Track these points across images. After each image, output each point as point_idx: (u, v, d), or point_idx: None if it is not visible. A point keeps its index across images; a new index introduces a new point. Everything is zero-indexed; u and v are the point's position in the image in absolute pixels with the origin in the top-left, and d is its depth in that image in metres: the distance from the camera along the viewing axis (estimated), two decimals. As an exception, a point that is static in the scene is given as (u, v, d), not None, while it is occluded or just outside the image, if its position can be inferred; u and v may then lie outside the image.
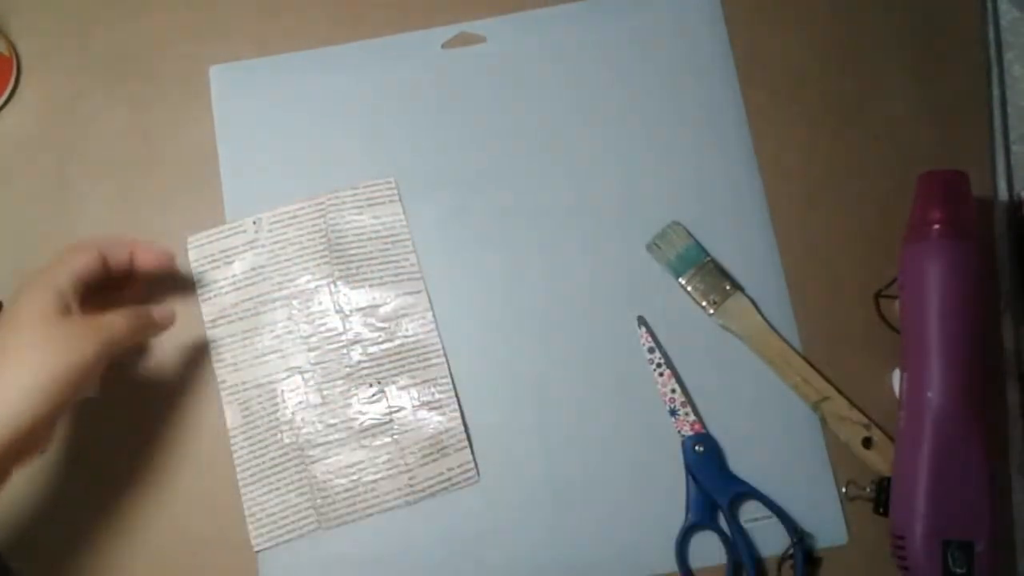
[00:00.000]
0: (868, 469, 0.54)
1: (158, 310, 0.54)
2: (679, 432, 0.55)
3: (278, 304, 0.57)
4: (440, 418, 0.55)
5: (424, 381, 0.56)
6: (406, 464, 0.55)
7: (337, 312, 0.57)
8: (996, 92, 0.59)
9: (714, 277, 0.56)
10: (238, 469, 0.55)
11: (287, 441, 0.55)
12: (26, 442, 0.44)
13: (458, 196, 0.59)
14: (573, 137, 0.59)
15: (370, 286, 0.57)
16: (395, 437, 0.55)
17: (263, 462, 0.55)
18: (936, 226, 0.51)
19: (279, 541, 0.54)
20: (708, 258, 0.56)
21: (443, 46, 0.61)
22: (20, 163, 0.61)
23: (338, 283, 0.57)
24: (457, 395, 0.56)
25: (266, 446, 0.55)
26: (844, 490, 0.54)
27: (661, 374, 0.55)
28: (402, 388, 0.56)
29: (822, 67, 0.60)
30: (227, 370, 0.56)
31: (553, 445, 0.55)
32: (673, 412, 0.55)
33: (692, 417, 0.55)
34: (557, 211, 0.58)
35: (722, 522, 0.53)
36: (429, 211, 0.59)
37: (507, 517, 0.54)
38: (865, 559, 0.53)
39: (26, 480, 0.55)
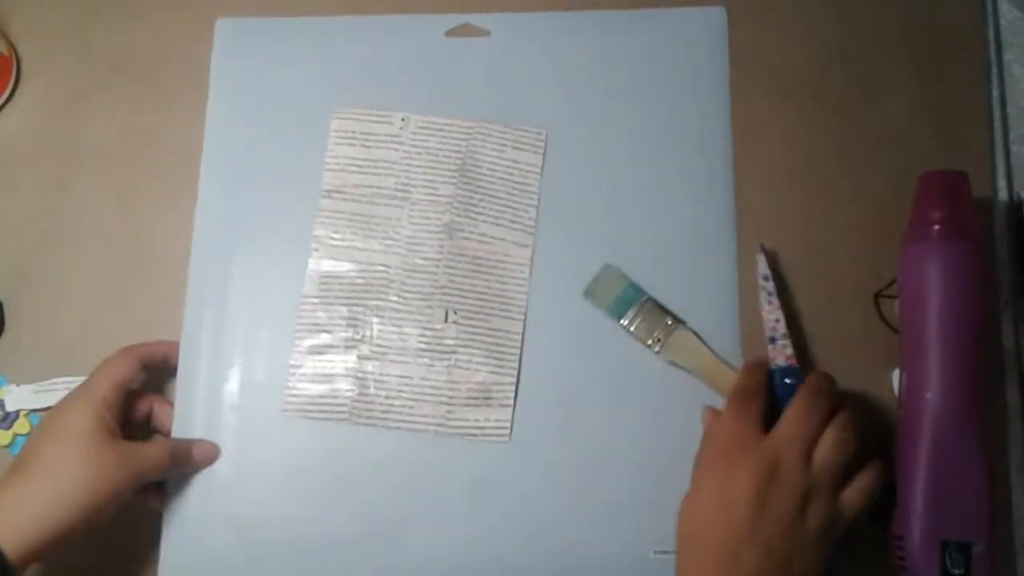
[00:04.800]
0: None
1: (198, 448, 0.55)
2: (772, 361, 0.54)
3: (394, 202, 0.58)
4: (497, 368, 0.56)
5: (496, 329, 0.56)
6: (450, 397, 0.56)
7: (443, 232, 0.58)
8: (996, 92, 0.59)
9: (655, 315, 0.55)
10: (297, 328, 0.57)
11: (352, 328, 0.57)
12: (45, 550, 0.47)
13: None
14: (560, 142, 0.59)
15: (483, 221, 0.58)
16: (449, 368, 0.56)
17: (322, 338, 0.57)
18: (936, 227, 0.51)
19: (306, 415, 0.56)
20: (646, 297, 0.56)
21: (447, 34, 0.61)
22: (20, 163, 0.61)
23: (456, 206, 0.58)
24: (521, 354, 0.56)
25: (333, 322, 0.57)
26: None
27: (770, 303, 0.55)
28: (474, 327, 0.56)
29: (822, 67, 0.60)
30: (324, 238, 0.58)
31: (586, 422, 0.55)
32: (772, 340, 0.54)
33: (789, 350, 0.54)
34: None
35: None
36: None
37: (534, 477, 0.55)
38: (866, 558, 0.53)
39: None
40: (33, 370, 0.58)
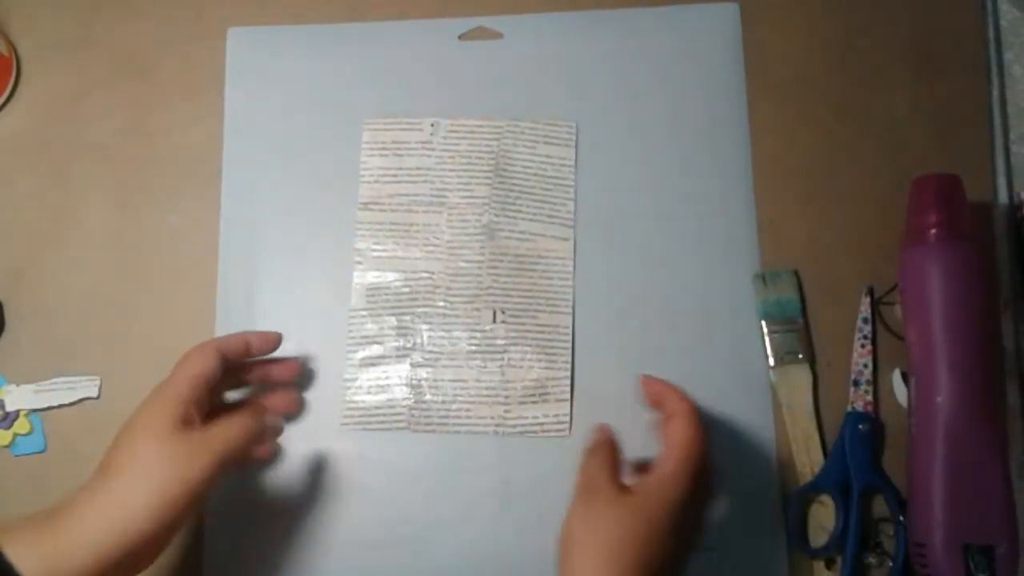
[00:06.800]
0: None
1: (271, 417, 0.52)
2: (851, 404, 0.54)
3: (432, 208, 0.59)
4: (550, 364, 0.56)
5: (546, 325, 0.57)
6: (506, 397, 0.56)
7: (483, 233, 0.58)
8: (996, 92, 0.59)
9: (798, 339, 0.55)
10: (349, 341, 0.57)
11: (403, 337, 0.57)
12: (132, 558, 0.44)
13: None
14: (587, 135, 0.60)
15: (522, 219, 0.58)
16: (503, 368, 0.56)
17: (374, 349, 0.57)
18: (933, 230, 0.51)
19: (367, 428, 0.56)
20: (803, 320, 0.56)
21: (460, 37, 0.61)
22: (20, 163, 0.61)
23: (493, 207, 0.58)
24: (573, 348, 0.56)
25: (383, 332, 0.57)
26: None
27: (863, 345, 0.55)
28: (523, 324, 0.57)
29: (822, 67, 0.60)
30: (366, 250, 0.58)
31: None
32: (856, 384, 0.54)
33: (869, 397, 0.54)
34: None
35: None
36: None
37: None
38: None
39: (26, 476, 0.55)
40: (33, 370, 0.58)
